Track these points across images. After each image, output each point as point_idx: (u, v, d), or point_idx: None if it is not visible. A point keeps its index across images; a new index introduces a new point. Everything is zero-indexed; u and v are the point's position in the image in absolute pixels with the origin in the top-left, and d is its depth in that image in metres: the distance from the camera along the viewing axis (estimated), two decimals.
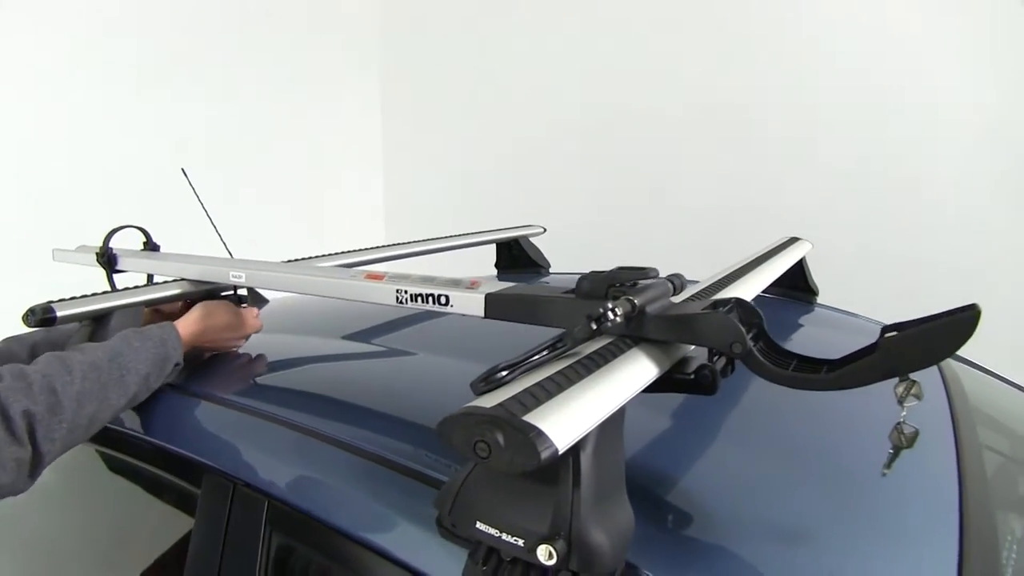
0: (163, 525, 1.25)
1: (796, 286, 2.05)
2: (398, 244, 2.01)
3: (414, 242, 2.08)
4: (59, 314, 1.25)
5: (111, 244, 1.60)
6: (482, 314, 1.05)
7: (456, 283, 1.10)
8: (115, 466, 1.31)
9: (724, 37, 3.38)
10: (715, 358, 0.97)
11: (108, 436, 1.22)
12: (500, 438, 0.65)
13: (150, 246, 1.65)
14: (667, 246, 3.41)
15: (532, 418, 0.66)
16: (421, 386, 1.24)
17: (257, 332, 1.44)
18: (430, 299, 1.09)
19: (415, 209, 4.51)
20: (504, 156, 4.10)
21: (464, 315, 1.08)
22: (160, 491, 1.26)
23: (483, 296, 1.05)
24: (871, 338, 0.84)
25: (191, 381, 1.28)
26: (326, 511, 0.96)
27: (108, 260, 1.60)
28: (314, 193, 4.22)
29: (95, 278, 1.57)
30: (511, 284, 1.08)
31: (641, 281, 0.99)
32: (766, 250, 1.82)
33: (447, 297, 1.07)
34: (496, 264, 2.47)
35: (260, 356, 1.42)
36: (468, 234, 2.30)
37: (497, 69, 4.10)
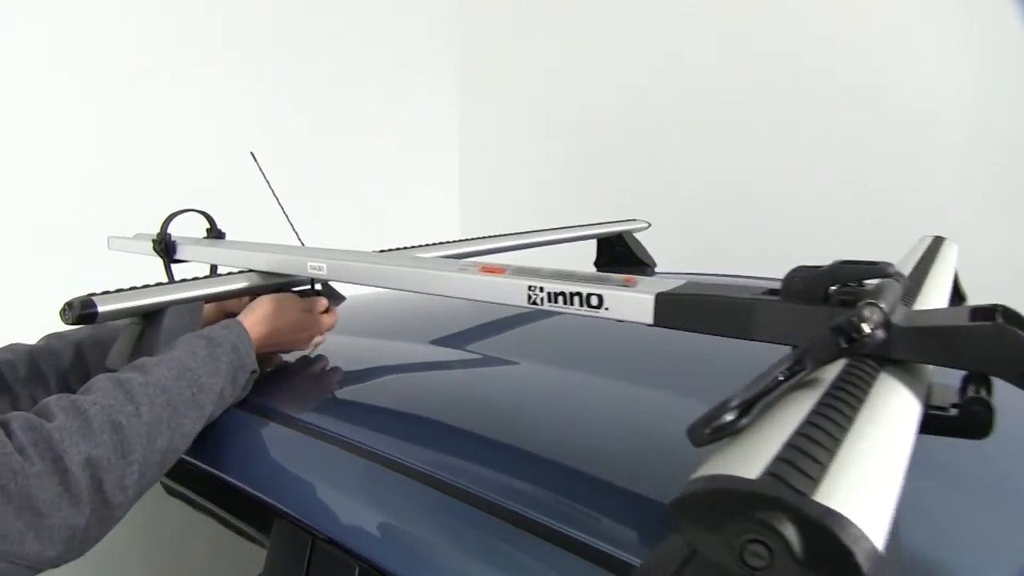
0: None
1: None
2: (484, 238, 1.74)
3: (503, 235, 1.81)
4: (101, 309, 1.01)
5: (170, 230, 1.38)
6: (650, 320, 0.78)
7: (604, 279, 0.84)
8: (162, 496, 1.07)
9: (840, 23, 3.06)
10: (978, 388, 0.69)
11: None
12: (793, 538, 0.38)
13: (214, 233, 1.42)
14: (769, 248, 3.10)
15: (831, 499, 0.39)
16: (548, 408, 0.98)
17: (330, 330, 1.20)
18: (575, 299, 0.82)
19: (492, 205, 4.25)
20: (587, 149, 3.82)
21: (614, 320, 0.82)
22: (216, 533, 1.01)
23: (652, 297, 0.78)
24: None
25: (255, 393, 1.03)
26: None
27: (166, 248, 1.37)
28: (384, 187, 3.98)
29: (156, 270, 1.34)
30: (679, 282, 0.81)
31: (868, 281, 0.73)
32: (920, 254, 1.52)
33: (600, 297, 0.80)
34: (596, 262, 2.21)
35: (340, 365, 1.17)
36: (566, 228, 2.03)
37: (582, 54, 3.82)
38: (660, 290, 0.77)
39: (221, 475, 0.94)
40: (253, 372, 1.01)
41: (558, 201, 3.88)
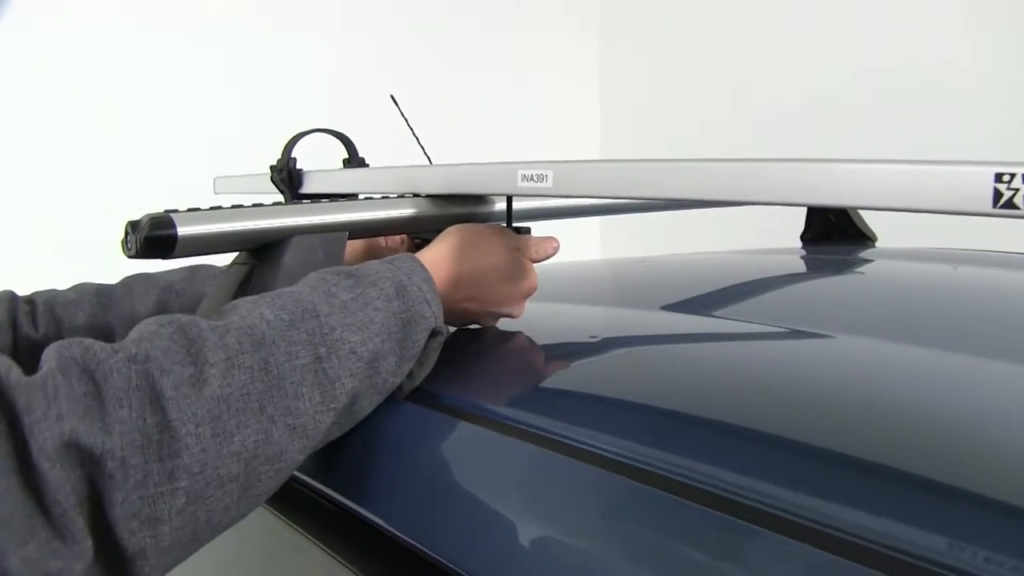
0: None
1: None
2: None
3: None
4: (183, 231, 0.64)
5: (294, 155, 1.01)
6: None
7: None
8: (282, 543, 0.68)
9: None
10: None
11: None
12: None
13: (355, 162, 1.04)
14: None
15: None
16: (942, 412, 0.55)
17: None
18: None
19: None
20: (738, 115, 3.36)
21: None
22: None
23: None
24: None
25: (438, 378, 0.64)
26: None
27: (289, 178, 1.00)
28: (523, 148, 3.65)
29: None
30: None
31: None
32: None
33: None
34: (804, 233, 1.76)
35: (556, 337, 0.76)
36: None
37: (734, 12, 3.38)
38: None
39: (379, 522, 0.55)
40: (436, 334, 0.62)
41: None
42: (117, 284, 0.81)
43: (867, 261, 1.41)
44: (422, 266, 0.62)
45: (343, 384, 0.53)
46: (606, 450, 0.47)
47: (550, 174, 0.63)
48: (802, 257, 1.38)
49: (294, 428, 0.50)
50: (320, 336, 0.53)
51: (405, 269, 0.61)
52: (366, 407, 0.57)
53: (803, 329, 0.78)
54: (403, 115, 1.14)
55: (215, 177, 1.30)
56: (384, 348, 0.56)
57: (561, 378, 0.65)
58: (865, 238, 1.69)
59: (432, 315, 0.60)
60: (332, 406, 0.53)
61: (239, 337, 0.49)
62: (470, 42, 3.44)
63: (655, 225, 2.98)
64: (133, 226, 0.63)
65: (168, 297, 0.79)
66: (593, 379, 0.64)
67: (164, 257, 0.64)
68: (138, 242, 0.62)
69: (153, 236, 0.62)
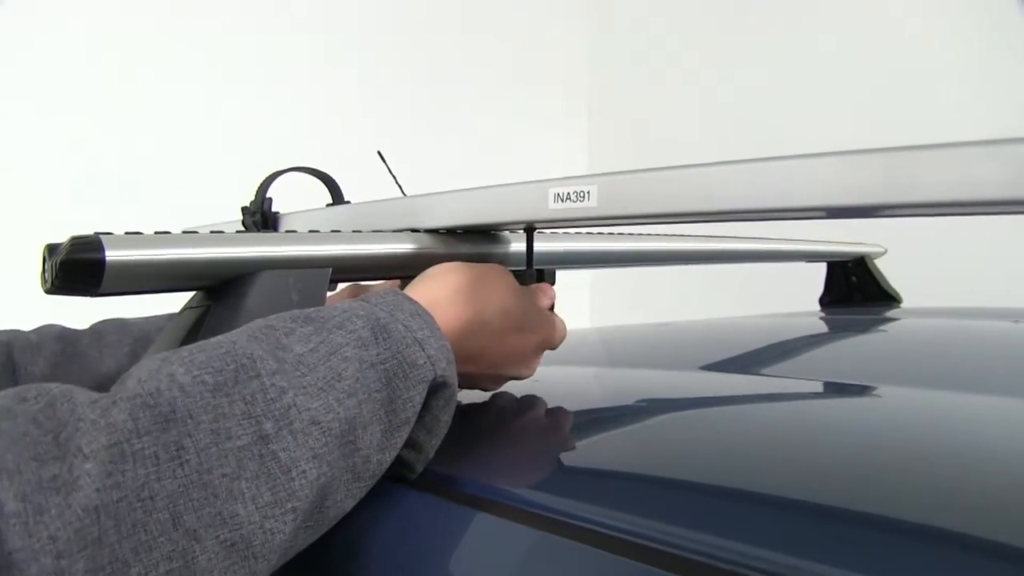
0: None
1: None
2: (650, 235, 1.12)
3: (672, 236, 1.17)
4: (114, 256, 0.48)
5: (269, 195, 0.89)
6: None
7: None
8: None
9: None
10: None
11: None
12: None
13: (338, 201, 0.92)
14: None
15: None
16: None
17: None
18: None
19: None
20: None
21: None
22: None
23: None
24: None
25: (457, 454, 0.48)
26: None
27: (263, 221, 0.87)
28: None
29: None
30: None
31: None
32: None
33: None
34: (824, 295, 1.64)
35: (590, 403, 0.61)
36: (775, 239, 1.38)
37: (719, 98, 3.35)
38: None
39: None
40: (442, 384, 0.45)
41: None
42: (85, 330, 0.68)
43: (910, 320, 1.29)
44: (408, 299, 0.47)
45: (304, 472, 0.37)
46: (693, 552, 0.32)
47: (592, 190, 0.49)
48: (854, 320, 1.27)
49: (232, 545, 0.34)
50: (264, 404, 0.37)
51: (385, 304, 0.45)
52: (344, 501, 0.41)
53: (883, 390, 0.64)
54: (390, 171, 1.04)
55: (183, 230, 1.17)
56: (362, 413, 0.40)
57: (618, 457, 0.49)
58: (890, 298, 1.57)
59: (427, 360, 0.44)
60: (291, 505, 0.36)
61: (133, 411, 0.33)
62: (455, 108, 3.38)
63: (652, 288, 2.89)
64: (50, 250, 0.48)
65: (143, 349, 0.66)
66: (659, 457, 0.48)
67: (88, 291, 0.49)
68: (54, 269, 0.47)
69: (73, 260, 0.47)
